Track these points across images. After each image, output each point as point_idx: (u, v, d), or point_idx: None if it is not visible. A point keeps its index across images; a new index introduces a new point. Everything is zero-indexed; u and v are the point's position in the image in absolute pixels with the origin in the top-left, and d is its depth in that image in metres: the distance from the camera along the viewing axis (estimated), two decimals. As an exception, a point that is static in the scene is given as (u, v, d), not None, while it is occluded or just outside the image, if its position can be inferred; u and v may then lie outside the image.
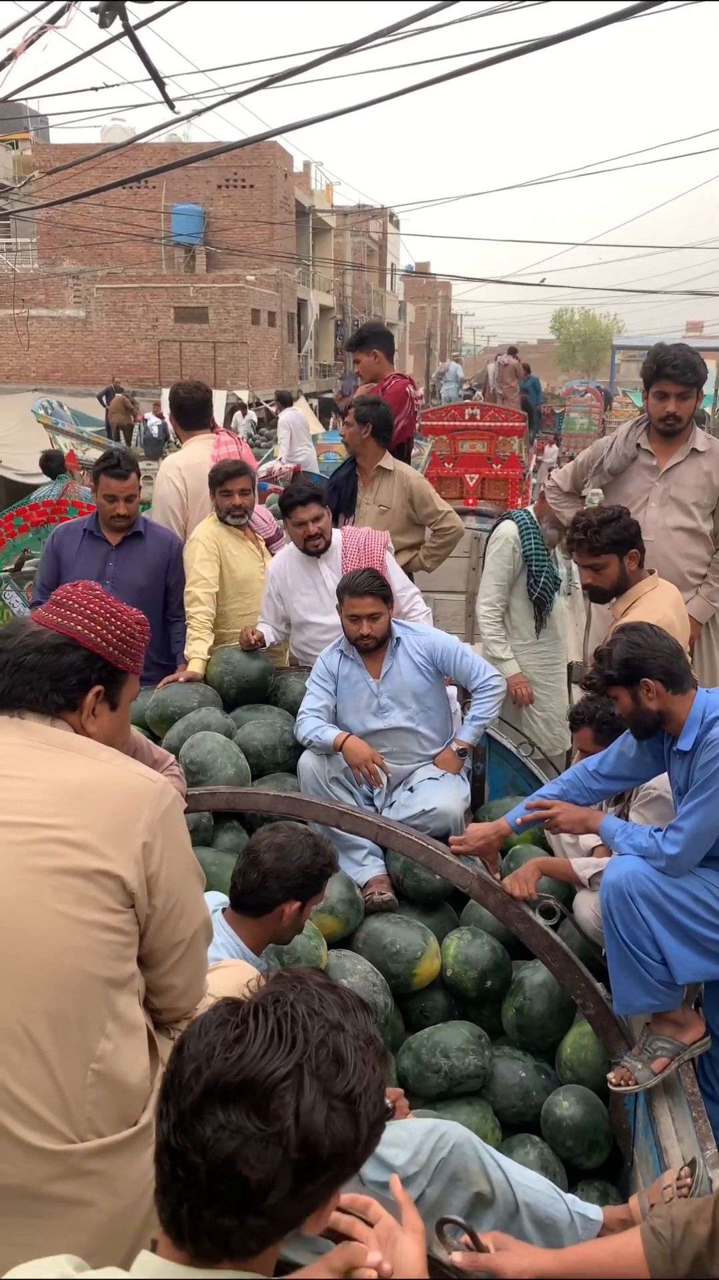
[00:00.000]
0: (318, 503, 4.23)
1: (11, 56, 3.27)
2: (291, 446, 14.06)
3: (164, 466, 5.10)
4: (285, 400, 16.24)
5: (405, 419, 5.50)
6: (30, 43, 3.12)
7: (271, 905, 2.46)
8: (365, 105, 4.40)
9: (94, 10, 2.80)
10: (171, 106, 3.56)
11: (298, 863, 2.46)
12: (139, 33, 3.03)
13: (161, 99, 3.41)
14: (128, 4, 2.71)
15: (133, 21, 2.77)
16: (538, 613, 4.88)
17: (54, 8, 2.97)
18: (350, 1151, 1.03)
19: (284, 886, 2.45)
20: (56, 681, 1.77)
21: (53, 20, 3.03)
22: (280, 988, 1.09)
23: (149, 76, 3.15)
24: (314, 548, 4.21)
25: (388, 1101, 1.14)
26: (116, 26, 2.74)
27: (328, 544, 4.25)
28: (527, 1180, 2.34)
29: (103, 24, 2.81)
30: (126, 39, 2.81)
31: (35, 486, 17.52)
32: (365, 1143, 1.06)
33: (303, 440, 14.33)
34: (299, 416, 14.81)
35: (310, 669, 3.93)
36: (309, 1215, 1.04)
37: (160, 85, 3.35)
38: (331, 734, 3.63)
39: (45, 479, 17.09)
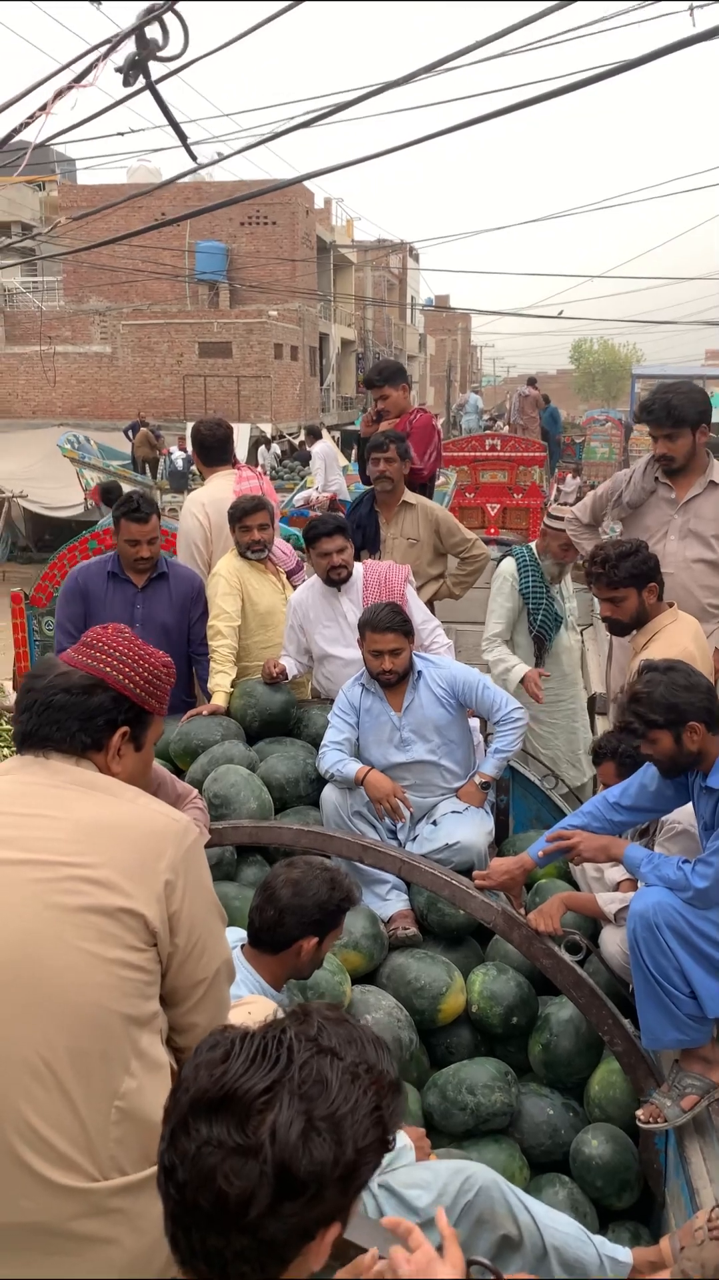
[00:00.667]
0: (342, 534, 4.27)
1: (43, 109, 3.36)
2: (326, 476, 14.73)
3: (188, 502, 5.16)
4: (315, 434, 17.17)
5: (435, 453, 5.53)
6: (59, 96, 3.21)
7: (289, 942, 2.46)
8: (388, 152, 4.46)
9: (118, 70, 2.88)
10: (193, 157, 3.64)
11: (314, 899, 2.46)
12: (162, 85, 3.13)
13: (184, 149, 3.49)
14: (150, 62, 2.79)
15: (155, 74, 2.85)
16: (537, 650, 4.88)
17: (82, 63, 3.08)
18: (330, 1174, 1.04)
19: (301, 923, 2.45)
20: (84, 722, 1.80)
21: (78, 79, 3.12)
22: (284, 1019, 1.13)
23: (172, 129, 3.23)
24: (337, 577, 4.24)
25: (402, 1138, 1.16)
26: (140, 81, 2.83)
27: (350, 574, 4.28)
28: (555, 1223, 2.32)
29: (126, 83, 2.90)
30: (149, 92, 2.89)
31: (63, 520, 17.77)
32: (352, 1166, 1.07)
33: (335, 470, 14.98)
34: (331, 448, 15.64)
35: (332, 701, 3.95)
36: (299, 1242, 1.05)
37: (183, 139, 3.43)
38: (353, 768, 3.63)
39: (72, 510, 17.29)
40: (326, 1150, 1.04)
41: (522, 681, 4.63)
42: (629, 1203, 2.80)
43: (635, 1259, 2.32)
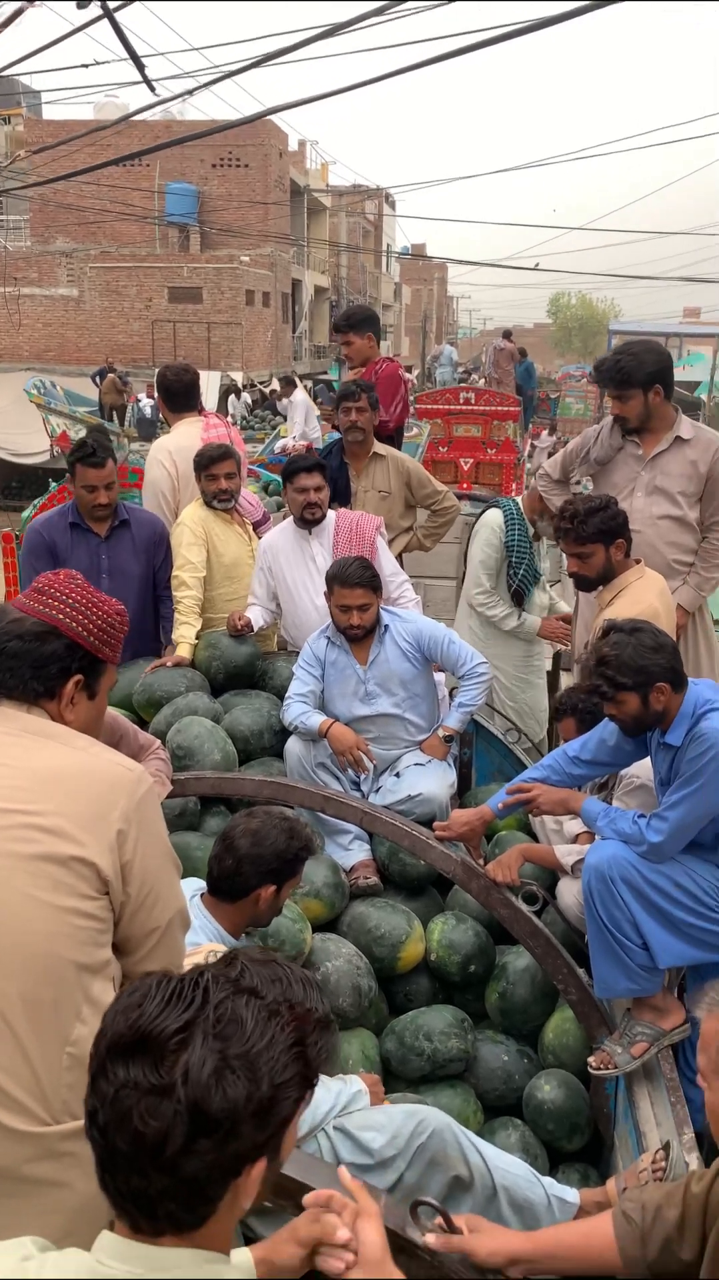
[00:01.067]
0: (321, 473, 4.27)
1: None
2: (304, 426, 15.21)
3: (154, 450, 5.07)
4: (291, 383, 17.83)
5: (401, 403, 5.46)
6: (8, 22, 3.08)
7: (248, 890, 2.47)
8: (360, 85, 4.37)
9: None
10: (151, 88, 3.53)
11: (272, 848, 2.47)
12: (122, 13, 3.02)
13: (143, 80, 3.38)
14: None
15: (112, 4, 2.74)
16: (515, 604, 4.89)
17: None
18: (244, 1110, 1.06)
19: (259, 871, 2.47)
20: (37, 669, 1.78)
21: (29, -3, 3.00)
22: (215, 962, 1.14)
23: (130, 59, 3.12)
24: (311, 516, 4.24)
25: (356, 1083, 1.17)
26: (96, 8, 2.72)
27: (324, 516, 4.27)
28: (504, 1164, 2.37)
29: (80, 4, 2.78)
30: (108, 21, 2.78)
31: (30, 467, 17.49)
32: (268, 1103, 1.08)
33: (312, 420, 15.52)
34: (307, 397, 16.25)
35: (298, 653, 3.94)
36: (222, 1178, 1.06)
37: (140, 67, 3.32)
38: (317, 720, 3.64)
39: (39, 458, 17.01)
40: (240, 1088, 1.05)
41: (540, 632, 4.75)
42: (579, 1145, 2.88)
43: (582, 1199, 2.38)
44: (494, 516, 4.90)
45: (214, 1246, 1.08)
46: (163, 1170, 1.03)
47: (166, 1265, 1.04)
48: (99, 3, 2.72)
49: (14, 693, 1.77)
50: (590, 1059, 2.70)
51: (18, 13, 2.97)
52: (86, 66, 6.27)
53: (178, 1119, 1.02)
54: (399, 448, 5.42)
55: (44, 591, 1.87)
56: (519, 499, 5.01)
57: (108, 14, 2.77)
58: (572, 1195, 2.40)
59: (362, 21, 3.84)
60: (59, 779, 1.67)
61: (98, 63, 5.88)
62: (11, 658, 1.77)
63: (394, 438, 5.41)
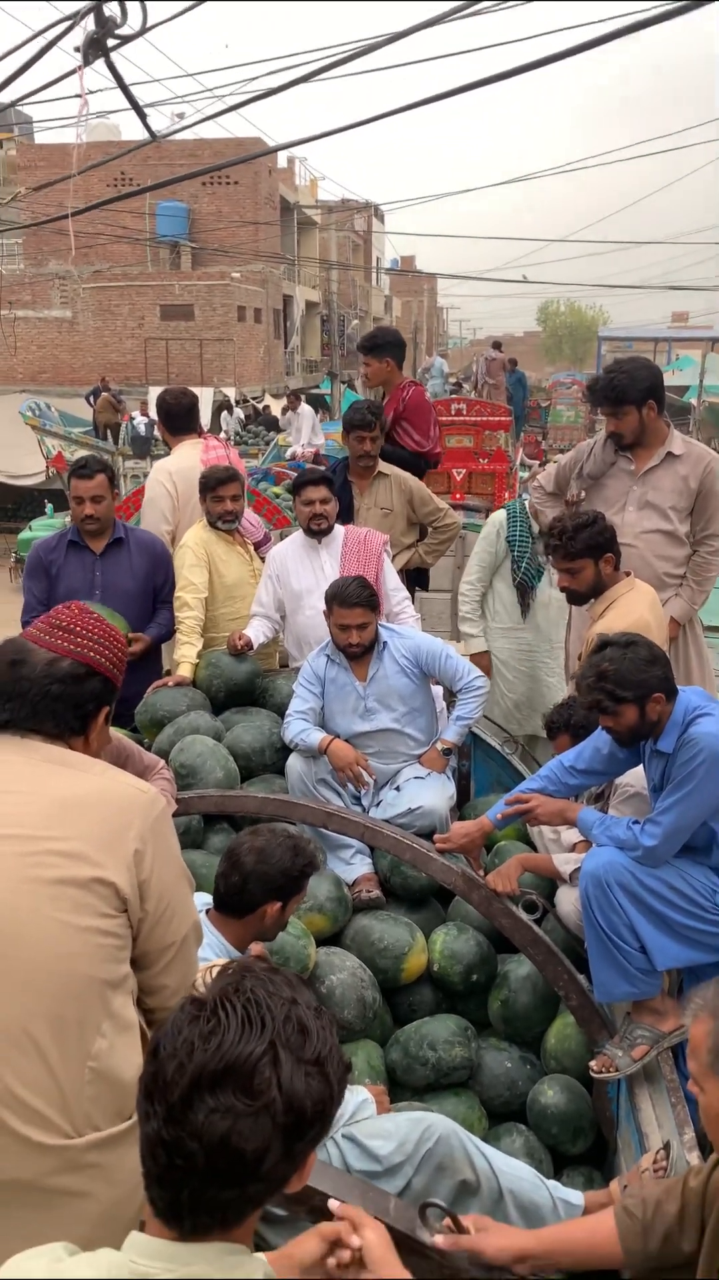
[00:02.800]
0: (328, 486, 4.40)
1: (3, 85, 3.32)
2: (312, 435, 16.89)
3: (155, 470, 5.16)
4: (298, 396, 19.79)
5: (437, 427, 5.56)
6: (21, 71, 3.17)
7: (254, 907, 2.53)
8: (352, 127, 4.44)
9: (76, 50, 2.86)
10: (151, 134, 3.61)
11: (278, 865, 2.53)
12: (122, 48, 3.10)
13: (142, 125, 3.47)
14: (108, 39, 2.76)
15: (113, 48, 2.83)
16: (521, 598, 4.97)
17: (42, 40, 3.04)
18: (328, 1107, 1.14)
19: (265, 888, 2.52)
20: (78, 709, 1.85)
21: (30, 61, 3.07)
22: (235, 979, 1.19)
23: (130, 105, 3.21)
24: (317, 527, 4.36)
25: (363, 1092, 1.25)
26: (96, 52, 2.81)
27: (330, 527, 4.40)
28: (510, 1168, 2.43)
29: (86, 62, 2.87)
30: (108, 69, 2.88)
31: (26, 489, 17.56)
32: (337, 1096, 1.17)
33: (318, 430, 17.21)
34: (311, 410, 18.01)
35: (298, 671, 4.01)
36: (295, 1174, 1.15)
37: (141, 115, 3.41)
38: (317, 737, 3.71)
39: (34, 479, 17.08)
40: (322, 1088, 1.13)
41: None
42: (583, 1149, 2.93)
43: (587, 1201, 2.44)
44: (499, 515, 5.02)
45: (244, 1239, 1.15)
46: (259, 1179, 1.10)
47: (194, 1259, 1.10)
48: (102, 55, 2.80)
49: (50, 733, 1.83)
50: (592, 1063, 2.76)
51: (30, 62, 3.05)
52: (80, 96, 6.36)
53: (277, 1131, 1.09)
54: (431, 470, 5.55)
55: (70, 630, 1.92)
56: (525, 500, 5.08)
57: (109, 64, 2.86)
58: (576, 1197, 2.46)
59: (357, 57, 3.92)
60: (77, 804, 1.73)
61: (92, 92, 6.00)
62: (55, 700, 1.83)
63: (425, 469, 5.51)
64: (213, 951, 2.46)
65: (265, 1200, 1.13)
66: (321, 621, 3.98)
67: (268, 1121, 1.08)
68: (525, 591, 4.93)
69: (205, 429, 5.63)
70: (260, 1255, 1.48)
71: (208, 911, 2.58)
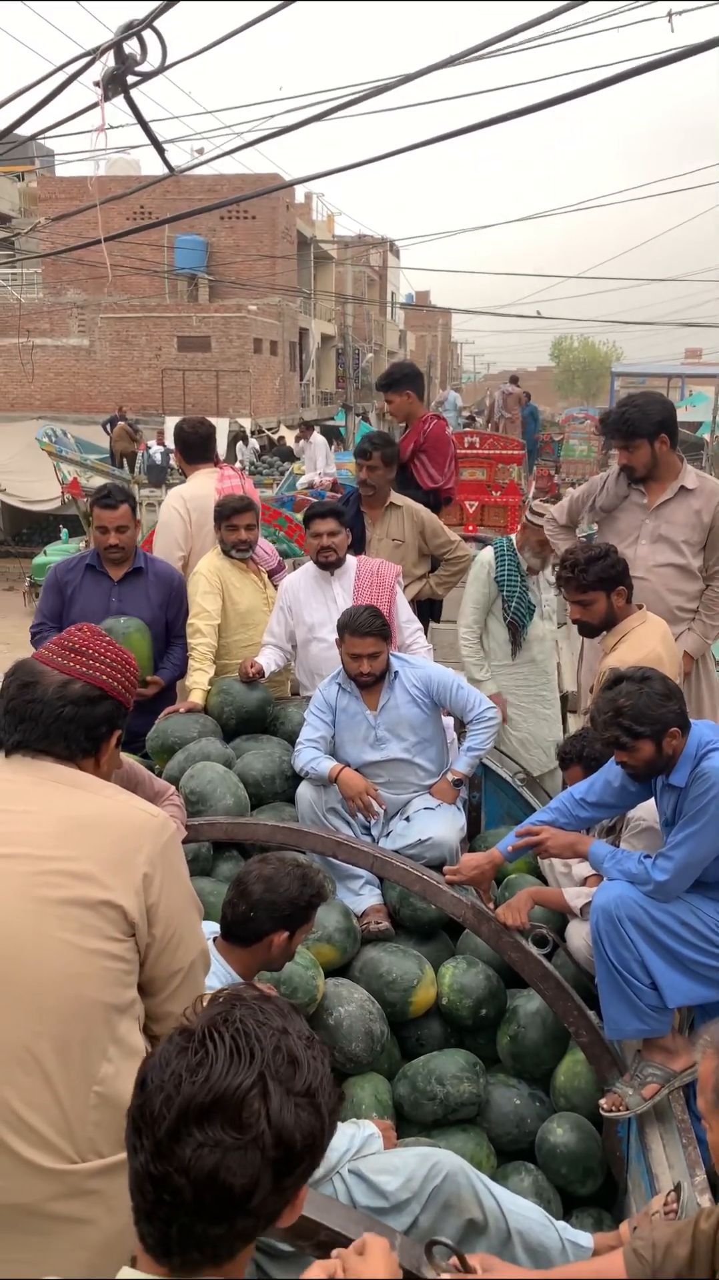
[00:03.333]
0: (335, 519, 4.42)
1: (22, 120, 3.39)
2: (325, 465, 17.56)
3: (169, 496, 5.20)
4: (310, 427, 20.86)
5: (453, 463, 5.61)
6: (42, 104, 3.24)
7: (261, 935, 2.51)
8: (373, 160, 4.51)
9: (96, 84, 2.92)
10: (170, 169, 3.67)
11: (285, 894, 2.51)
12: (138, 90, 3.17)
13: (161, 159, 3.53)
14: (129, 76, 2.82)
15: (132, 83, 2.88)
16: (513, 636, 4.98)
17: (62, 75, 3.10)
18: (319, 1140, 1.12)
19: (272, 917, 2.50)
20: (90, 731, 1.86)
21: (50, 96, 3.14)
22: (224, 1008, 1.16)
23: (149, 141, 3.27)
24: (325, 559, 4.39)
25: (369, 1126, 1.22)
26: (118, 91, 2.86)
27: (340, 560, 4.41)
28: (519, 1208, 2.39)
29: (107, 97, 2.93)
30: (126, 103, 2.93)
31: (43, 514, 17.69)
32: (328, 1129, 1.14)
33: (330, 460, 17.99)
34: (324, 441, 18.81)
35: (309, 699, 4.01)
36: (287, 1208, 1.12)
37: (160, 150, 3.47)
38: (327, 765, 3.70)
39: (50, 504, 17.22)
40: (313, 1121, 1.11)
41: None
42: (593, 1189, 2.89)
43: (596, 1244, 2.40)
44: (486, 554, 5.05)
45: (238, 1274, 1.12)
46: (249, 1215, 1.07)
47: None
48: (122, 90, 2.86)
49: (61, 754, 1.83)
50: (602, 1101, 2.73)
51: (51, 96, 3.11)
52: (100, 130, 6.47)
53: (265, 1165, 1.06)
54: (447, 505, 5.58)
55: (83, 652, 1.92)
56: (513, 537, 5.10)
57: (129, 100, 2.91)
58: (585, 1239, 2.42)
59: (373, 96, 3.99)
60: (87, 825, 1.73)
61: (112, 127, 6.10)
62: (68, 723, 1.83)
63: (444, 503, 5.54)
64: (218, 980, 2.44)
65: (255, 1235, 1.11)
66: (333, 654, 3.99)
67: (257, 1155, 1.06)
68: (516, 630, 4.95)
69: (221, 459, 5.69)
70: None
71: (215, 940, 2.56)
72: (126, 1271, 1.12)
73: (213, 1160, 1.05)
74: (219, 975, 2.49)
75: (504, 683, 4.98)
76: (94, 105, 3.50)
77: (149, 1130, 1.08)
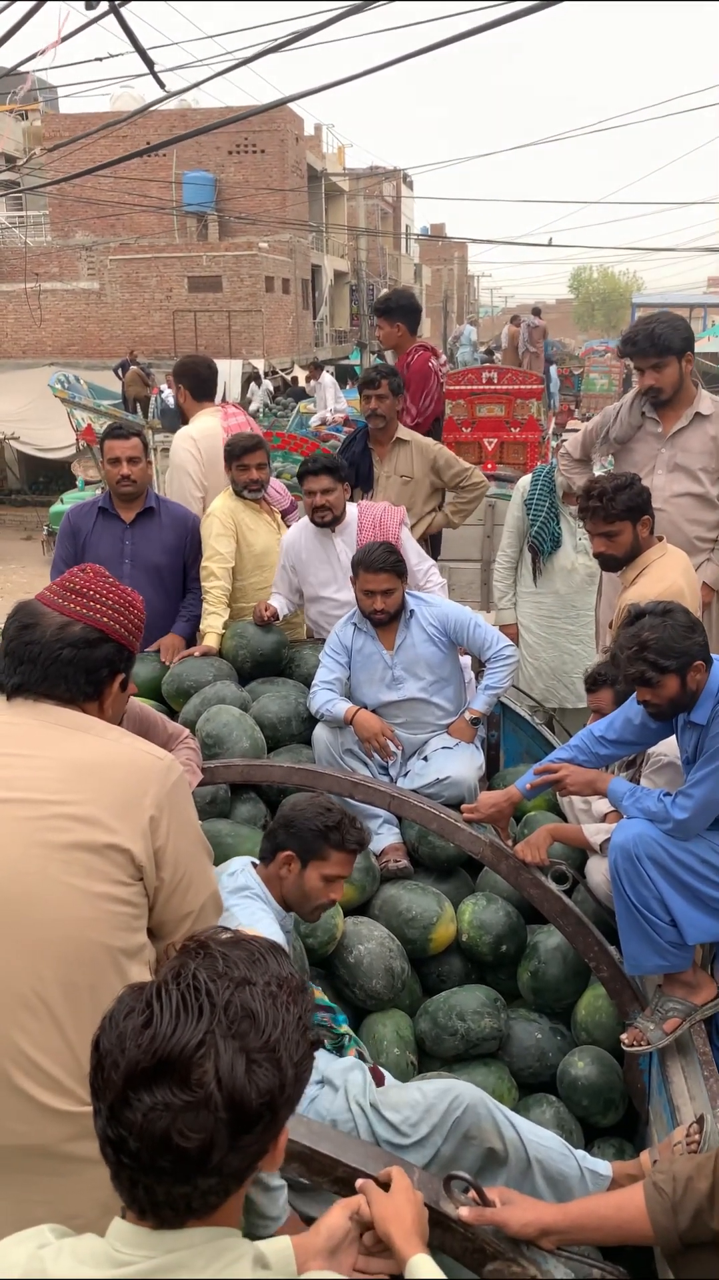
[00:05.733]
0: (329, 475, 4.24)
1: (11, 32, 3.26)
2: (335, 402, 17.55)
3: (178, 437, 5.12)
4: (320, 367, 20.53)
5: (432, 399, 5.47)
6: (19, 25, 3.11)
7: (274, 851, 2.57)
8: (374, 70, 4.35)
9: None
10: (161, 84, 3.55)
11: (302, 815, 2.58)
12: (135, 6, 3.03)
13: (153, 78, 3.40)
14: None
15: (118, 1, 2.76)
16: (533, 561, 4.92)
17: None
18: (278, 1096, 1.08)
19: (286, 833, 2.57)
20: (90, 674, 1.83)
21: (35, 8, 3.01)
22: (183, 959, 1.13)
23: (138, 55, 3.14)
24: (320, 519, 4.25)
25: (316, 1032, 1.18)
26: (104, 5, 2.73)
27: (336, 519, 4.26)
28: (538, 1137, 2.40)
29: (89, 5, 2.81)
30: (114, 17, 2.80)
31: (58, 461, 17.64)
32: (294, 1082, 1.10)
33: (340, 399, 17.76)
34: (331, 378, 18.70)
35: (324, 641, 3.97)
36: (258, 1160, 1.10)
37: (149, 63, 3.34)
38: (343, 707, 3.67)
39: (64, 452, 17.16)
40: (271, 1077, 1.07)
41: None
42: (614, 1121, 2.90)
43: (615, 1172, 2.41)
44: (524, 480, 4.98)
45: (229, 1221, 1.11)
46: (209, 1174, 1.04)
47: (177, 1245, 1.07)
48: (107, 1, 2.74)
49: (63, 697, 1.80)
50: (623, 1035, 2.72)
51: (30, 14, 2.98)
52: (100, 60, 6.31)
53: (219, 1126, 1.03)
54: (438, 439, 5.43)
55: (84, 594, 1.88)
56: (555, 463, 5.00)
57: (115, 12, 2.79)
58: (604, 1168, 2.43)
59: (374, 5, 3.82)
60: (91, 769, 1.71)
61: (111, 55, 5.91)
62: (66, 665, 1.80)
63: (432, 431, 5.41)
64: (259, 902, 2.48)
65: (229, 1192, 1.08)
66: (341, 612, 3.93)
67: (209, 1116, 1.03)
68: (536, 555, 4.88)
69: (235, 400, 5.62)
70: (285, 1239, 1.46)
71: (253, 864, 2.63)
72: (118, 1222, 1.11)
73: (163, 1123, 1.02)
74: (258, 902, 2.50)
75: (524, 609, 4.97)
76: (82, 28, 3.36)
77: (102, 1095, 1.07)
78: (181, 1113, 1.02)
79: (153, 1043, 1.04)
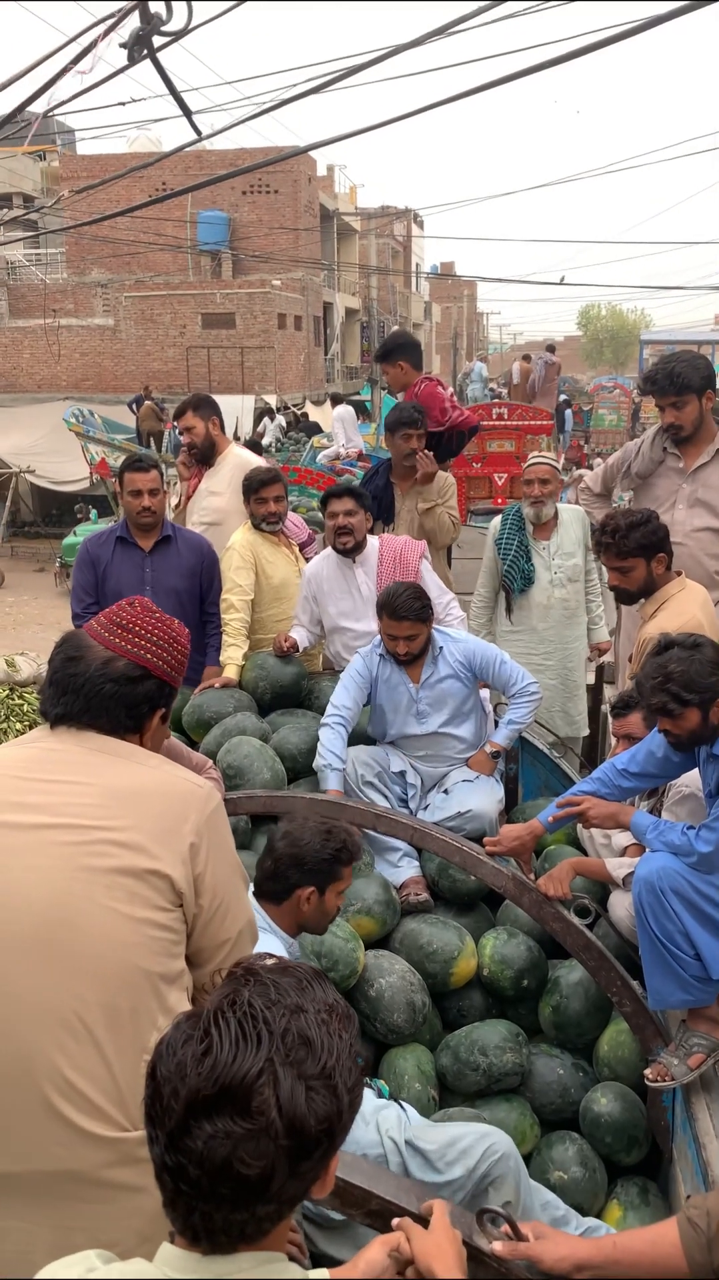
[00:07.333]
0: (353, 499, 4.29)
1: (48, 85, 3.35)
2: (348, 436, 17.15)
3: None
4: (335, 400, 20.51)
5: (452, 407, 5.51)
6: (62, 74, 3.20)
7: (289, 891, 2.56)
8: (391, 122, 4.41)
9: (122, 46, 2.87)
10: (197, 131, 3.63)
11: (308, 848, 2.56)
12: (163, 54, 3.12)
13: (188, 123, 3.48)
14: (154, 37, 2.77)
15: (156, 44, 2.84)
16: (507, 599, 4.94)
17: (87, 36, 3.05)
18: (335, 1122, 1.09)
19: (298, 872, 2.55)
20: (131, 709, 1.85)
21: (77, 58, 3.10)
22: (235, 986, 1.13)
23: (176, 104, 3.22)
24: (343, 544, 4.27)
25: (360, 1059, 1.18)
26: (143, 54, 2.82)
27: (359, 544, 4.29)
28: (546, 1199, 2.42)
29: (131, 60, 2.89)
30: (152, 65, 2.88)
31: (70, 495, 17.79)
32: (349, 1108, 1.11)
33: (354, 432, 17.40)
34: (349, 411, 18.12)
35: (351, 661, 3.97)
36: (312, 1186, 1.10)
37: (187, 113, 3.42)
38: (332, 782, 3.62)
39: (78, 485, 17.32)
40: (328, 1103, 1.07)
41: None
42: (637, 1159, 2.88)
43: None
44: (495, 520, 5.02)
45: (277, 1247, 1.11)
46: (268, 1201, 1.05)
47: (231, 1270, 1.07)
48: (148, 52, 2.82)
49: (105, 728, 1.83)
50: (647, 1071, 2.71)
51: (63, 72, 3.08)
52: (124, 104, 6.44)
53: (279, 1153, 1.04)
54: (462, 448, 5.56)
55: (130, 629, 1.91)
56: (524, 505, 4.98)
57: (155, 62, 2.87)
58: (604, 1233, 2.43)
59: (389, 57, 3.91)
60: (133, 795, 1.73)
61: (134, 100, 6.03)
62: (108, 699, 1.83)
63: (466, 435, 5.45)
64: (271, 939, 2.47)
65: (283, 1218, 1.09)
66: (361, 643, 3.95)
67: (269, 1144, 1.03)
68: (508, 593, 4.91)
69: (247, 436, 5.71)
70: (322, 1271, 1.46)
71: (253, 894, 2.60)
72: (166, 1247, 1.11)
73: (224, 1151, 1.02)
74: (269, 934, 2.50)
75: (501, 647, 4.97)
76: (116, 74, 3.45)
77: (161, 1123, 1.06)
78: (243, 1141, 1.03)
79: (213, 1070, 1.04)
